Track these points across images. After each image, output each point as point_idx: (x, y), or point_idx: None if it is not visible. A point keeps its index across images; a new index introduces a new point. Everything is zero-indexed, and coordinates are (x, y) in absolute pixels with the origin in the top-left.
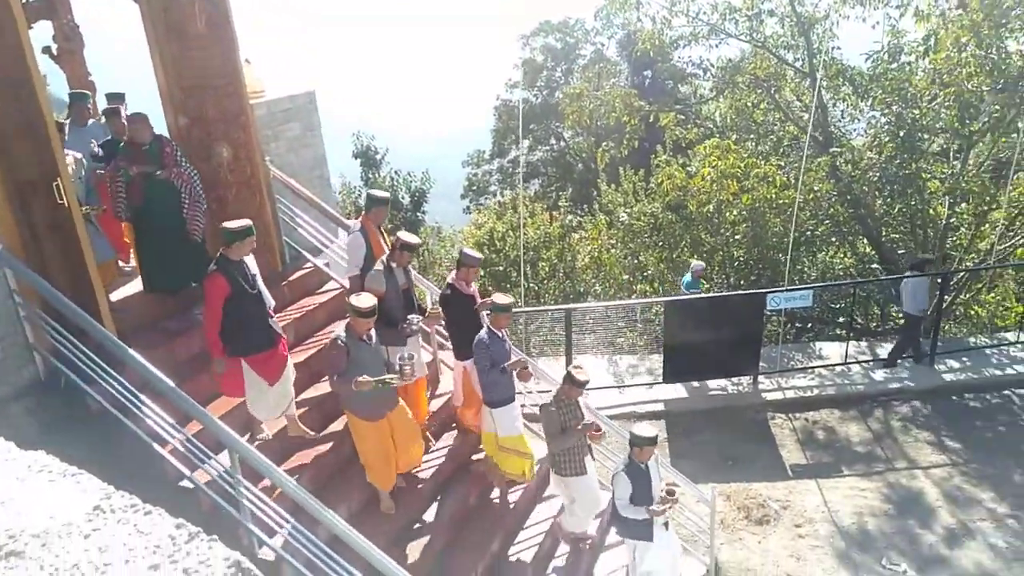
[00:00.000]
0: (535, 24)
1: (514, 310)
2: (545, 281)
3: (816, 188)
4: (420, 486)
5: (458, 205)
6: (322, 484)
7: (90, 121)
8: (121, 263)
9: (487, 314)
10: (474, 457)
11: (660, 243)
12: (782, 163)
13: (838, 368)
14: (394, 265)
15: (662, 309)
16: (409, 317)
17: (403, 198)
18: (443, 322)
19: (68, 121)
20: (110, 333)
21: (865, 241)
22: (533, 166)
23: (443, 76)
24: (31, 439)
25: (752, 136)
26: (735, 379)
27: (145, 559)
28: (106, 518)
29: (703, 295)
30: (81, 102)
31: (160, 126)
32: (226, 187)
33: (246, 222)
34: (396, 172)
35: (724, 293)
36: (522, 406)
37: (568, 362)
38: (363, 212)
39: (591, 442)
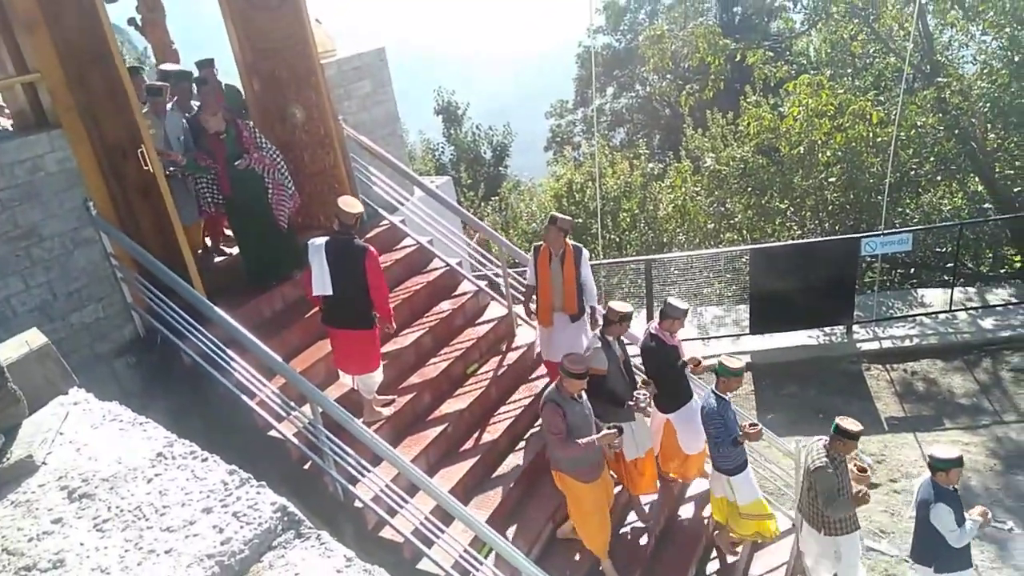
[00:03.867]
0: None
1: (593, 263)
2: (626, 232)
3: (919, 123)
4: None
5: (542, 157)
6: (402, 434)
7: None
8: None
9: (718, 380)
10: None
11: (749, 188)
12: (882, 98)
13: (942, 316)
14: (610, 338)
15: (748, 257)
16: (636, 394)
17: (485, 153)
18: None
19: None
20: (198, 293)
21: (976, 179)
22: (618, 114)
23: (525, 24)
24: (135, 391)
25: (849, 71)
26: (827, 329)
27: (200, 502)
28: (167, 464)
29: (792, 242)
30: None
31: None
32: (301, 148)
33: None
34: (477, 127)
35: (815, 239)
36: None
37: (649, 315)
38: None
39: (861, 485)
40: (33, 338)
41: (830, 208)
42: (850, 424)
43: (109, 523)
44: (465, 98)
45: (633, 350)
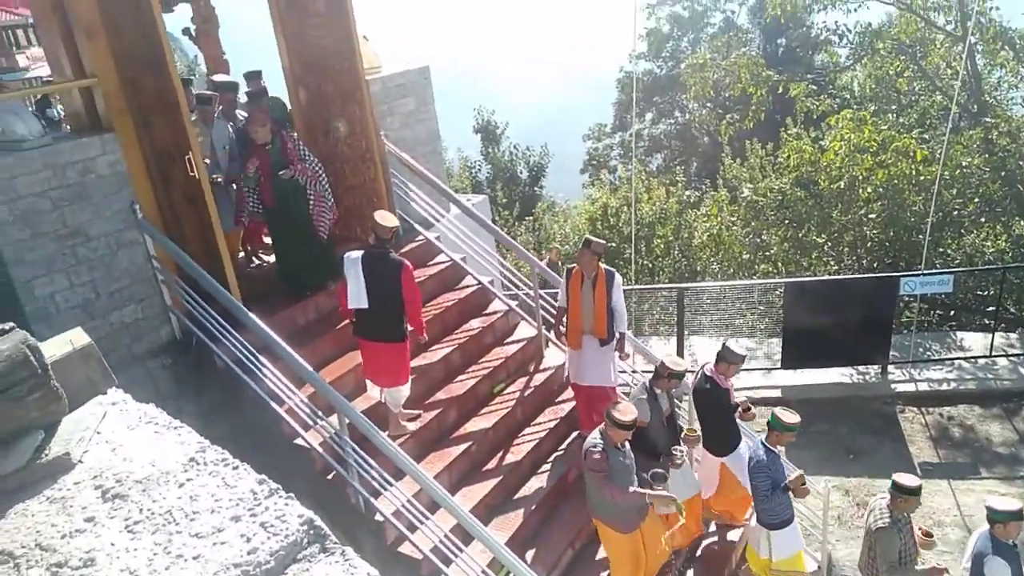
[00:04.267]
0: None
1: (624, 287)
2: (660, 259)
3: (964, 163)
4: None
5: (578, 179)
6: (426, 450)
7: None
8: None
9: (769, 432)
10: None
11: (786, 221)
12: (927, 136)
13: (981, 361)
14: (658, 391)
15: (783, 290)
16: (674, 450)
17: (521, 173)
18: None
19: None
20: (235, 298)
21: (1021, 222)
22: (656, 140)
23: (567, 47)
24: (169, 392)
25: (894, 107)
26: (861, 368)
27: (229, 510)
28: (199, 470)
29: (828, 277)
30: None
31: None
32: (343, 161)
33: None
34: (515, 146)
35: (853, 276)
36: (626, 387)
37: (680, 342)
38: None
39: (923, 549)
40: (77, 337)
41: (869, 245)
42: (907, 479)
43: (140, 525)
44: (504, 116)
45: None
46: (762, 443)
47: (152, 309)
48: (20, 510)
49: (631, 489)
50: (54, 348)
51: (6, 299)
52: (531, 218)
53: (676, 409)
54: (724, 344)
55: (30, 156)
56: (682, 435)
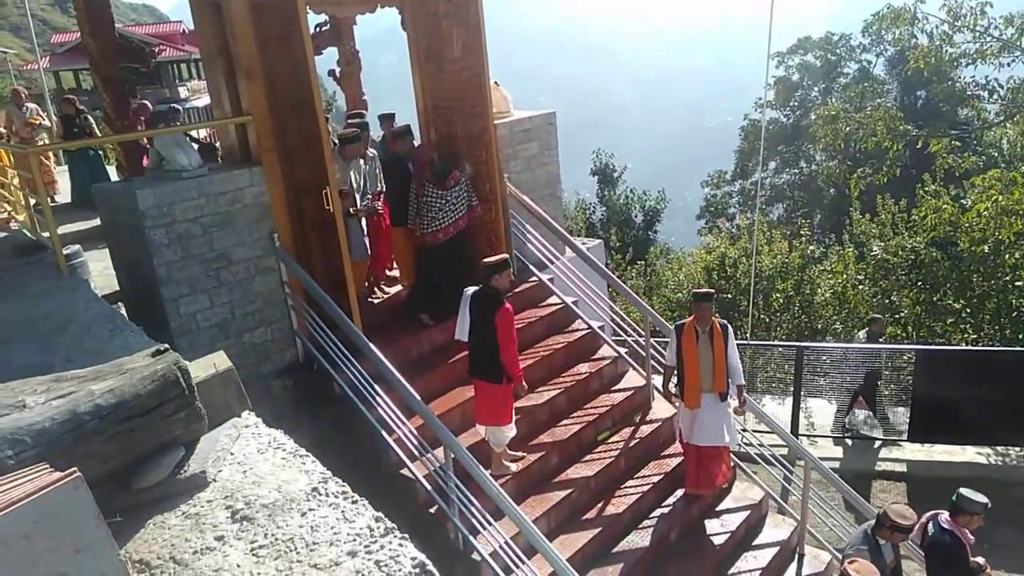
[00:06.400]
0: (792, 40)
1: (739, 342)
2: (778, 314)
3: None
4: None
5: (692, 225)
6: (527, 492)
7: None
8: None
9: None
10: None
11: (919, 283)
12: None
13: None
14: (881, 542)
15: (914, 357)
16: None
17: (636, 216)
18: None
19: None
20: (356, 327)
21: None
22: (778, 189)
23: (689, 92)
24: (286, 413)
25: None
26: (1000, 448)
27: (346, 544)
28: (321, 500)
29: (967, 348)
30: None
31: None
32: None
33: (503, 256)
34: (632, 190)
35: (994, 347)
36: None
37: (796, 404)
38: None
39: None
40: (220, 361)
41: (1015, 315)
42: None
43: (264, 550)
44: (623, 157)
45: None
46: None
47: (280, 332)
48: (158, 522)
49: None
50: (199, 370)
51: (155, 314)
52: (643, 263)
53: (901, 562)
54: (960, 493)
55: (188, 185)
56: None
